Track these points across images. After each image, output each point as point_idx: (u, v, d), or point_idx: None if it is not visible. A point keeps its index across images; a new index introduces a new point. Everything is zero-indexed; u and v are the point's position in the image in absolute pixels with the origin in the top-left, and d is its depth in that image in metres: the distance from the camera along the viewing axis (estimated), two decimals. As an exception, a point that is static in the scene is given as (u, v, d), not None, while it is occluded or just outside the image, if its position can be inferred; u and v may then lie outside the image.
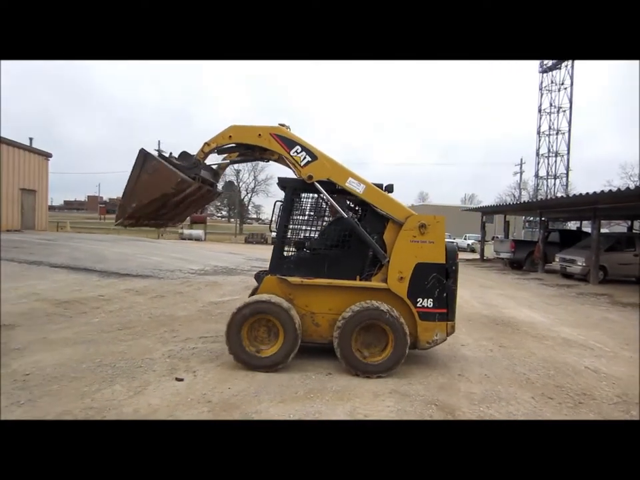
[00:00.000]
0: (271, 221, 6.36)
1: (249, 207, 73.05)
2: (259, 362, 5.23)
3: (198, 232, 36.78)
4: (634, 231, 24.50)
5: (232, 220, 73.19)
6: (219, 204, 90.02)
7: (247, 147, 5.89)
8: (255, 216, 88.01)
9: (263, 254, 19.68)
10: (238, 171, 64.45)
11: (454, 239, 42.34)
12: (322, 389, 4.79)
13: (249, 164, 66.27)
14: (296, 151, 5.50)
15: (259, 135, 5.57)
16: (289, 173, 5.96)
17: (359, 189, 5.49)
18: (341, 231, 5.60)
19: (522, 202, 23.77)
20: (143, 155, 5.44)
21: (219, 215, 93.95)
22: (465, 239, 42.65)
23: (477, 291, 13.34)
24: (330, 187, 5.58)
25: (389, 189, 5.94)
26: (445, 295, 5.46)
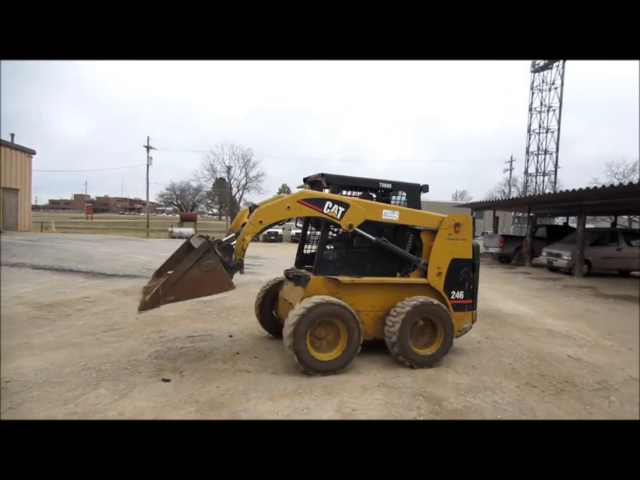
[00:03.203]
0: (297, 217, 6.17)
1: (241, 204, 72.55)
2: (325, 366, 5.12)
3: (188, 230, 35.58)
4: (617, 227, 24.81)
5: (223, 217, 72.46)
6: (209, 201, 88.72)
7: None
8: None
9: (255, 251, 19.44)
10: (229, 168, 63.83)
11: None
12: (311, 384, 4.79)
13: (240, 159, 65.28)
14: (328, 207, 5.40)
15: (288, 207, 5.33)
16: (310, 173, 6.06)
17: (394, 216, 5.71)
18: (380, 230, 5.78)
19: (511, 198, 23.88)
20: (206, 249, 4.89)
21: (210, 212, 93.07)
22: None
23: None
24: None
25: (424, 189, 6.22)
26: (471, 287, 6.03)
